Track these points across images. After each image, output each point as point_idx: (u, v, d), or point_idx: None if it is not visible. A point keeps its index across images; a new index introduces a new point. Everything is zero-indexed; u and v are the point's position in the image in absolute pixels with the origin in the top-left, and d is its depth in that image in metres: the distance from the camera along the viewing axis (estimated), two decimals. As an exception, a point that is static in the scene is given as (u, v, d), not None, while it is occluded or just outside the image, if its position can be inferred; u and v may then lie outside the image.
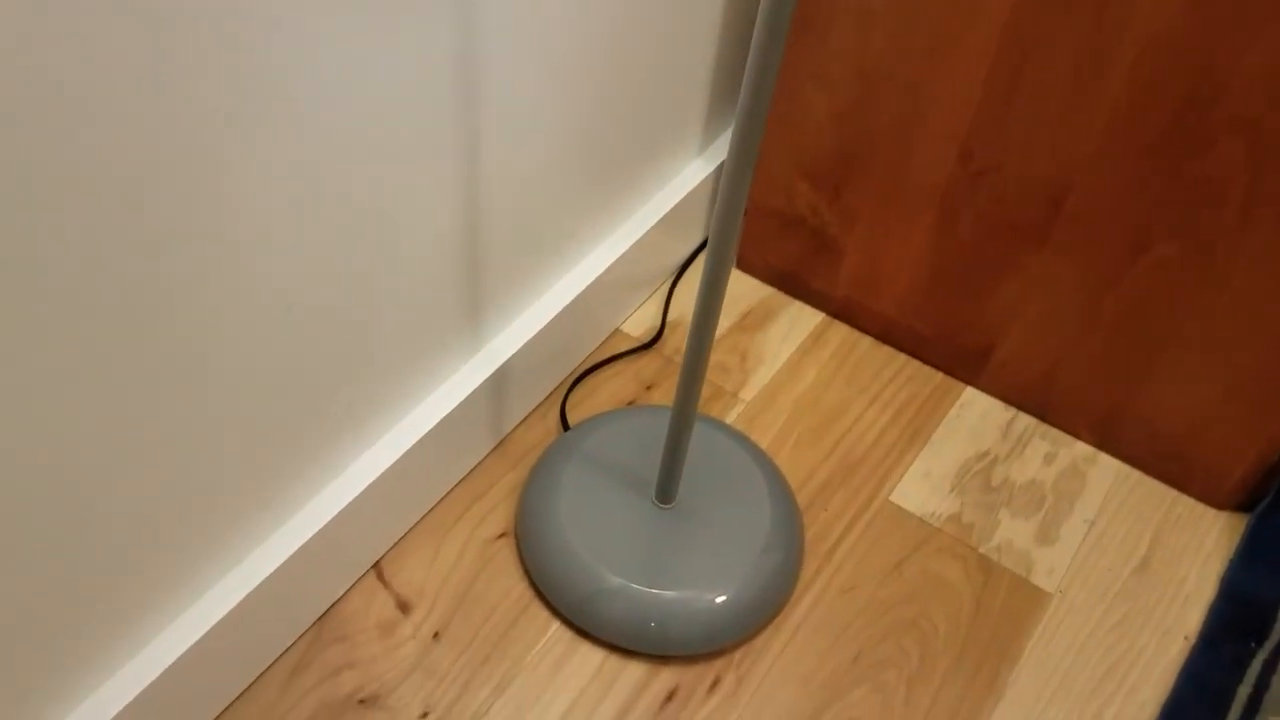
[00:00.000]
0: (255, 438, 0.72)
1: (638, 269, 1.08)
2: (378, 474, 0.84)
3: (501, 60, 0.75)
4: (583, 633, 0.88)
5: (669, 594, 0.86)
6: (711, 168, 1.13)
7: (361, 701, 0.83)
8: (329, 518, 0.81)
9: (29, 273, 0.51)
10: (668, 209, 1.08)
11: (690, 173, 1.12)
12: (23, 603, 0.61)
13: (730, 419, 1.04)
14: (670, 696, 0.85)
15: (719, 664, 0.87)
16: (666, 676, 0.86)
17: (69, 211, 0.51)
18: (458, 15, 0.68)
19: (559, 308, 0.97)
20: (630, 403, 1.05)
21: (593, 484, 0.92)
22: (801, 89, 1.00)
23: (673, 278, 1.17)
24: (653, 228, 1.07)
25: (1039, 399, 1.06)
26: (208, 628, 0.75)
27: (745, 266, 1.19)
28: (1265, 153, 0.80)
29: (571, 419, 1.03)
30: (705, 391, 1.07)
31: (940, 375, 1.11)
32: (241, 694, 0.83)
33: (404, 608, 0.89)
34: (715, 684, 0.86)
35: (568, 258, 0.99)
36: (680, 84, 1.02)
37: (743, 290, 1.17)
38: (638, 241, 1.05)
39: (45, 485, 0.58)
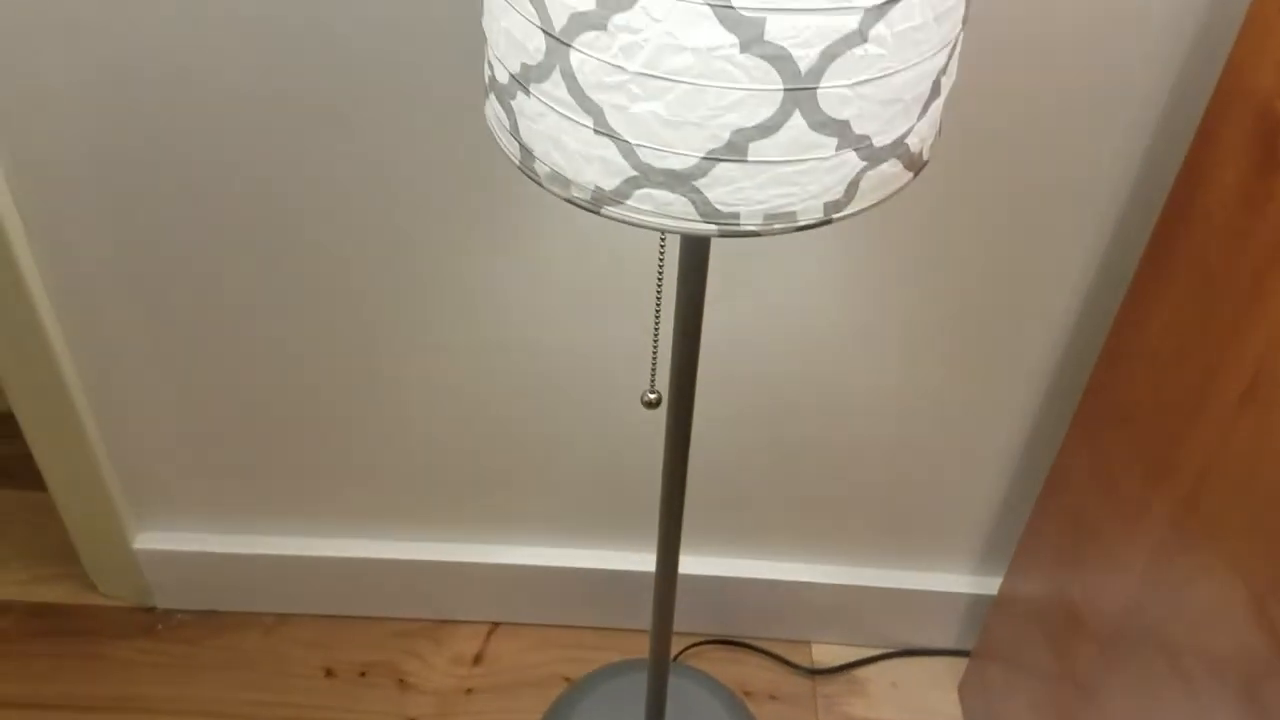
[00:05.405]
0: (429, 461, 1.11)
1: (846, 609, 1.18)
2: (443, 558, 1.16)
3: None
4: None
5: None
6: (976, 591, 1.15)
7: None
8: (416, 558, 1.17)
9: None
10: (891, 585, 1.15)
11: (947, 580, 1.16)
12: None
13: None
14: None
15: None
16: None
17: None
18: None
19: (718, 571, 1.15)
20: (746, 693, 1.17)
21: None
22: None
23: (890, 650, 1.21)
24: (871, 590, 1.15)
25: None
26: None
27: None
28: None
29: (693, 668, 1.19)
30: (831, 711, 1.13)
31: None
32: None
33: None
34: None
35: (771, 549, 1.16)
36: (965, 485, 1.09)
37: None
38: (840, 586, 1.15)
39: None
